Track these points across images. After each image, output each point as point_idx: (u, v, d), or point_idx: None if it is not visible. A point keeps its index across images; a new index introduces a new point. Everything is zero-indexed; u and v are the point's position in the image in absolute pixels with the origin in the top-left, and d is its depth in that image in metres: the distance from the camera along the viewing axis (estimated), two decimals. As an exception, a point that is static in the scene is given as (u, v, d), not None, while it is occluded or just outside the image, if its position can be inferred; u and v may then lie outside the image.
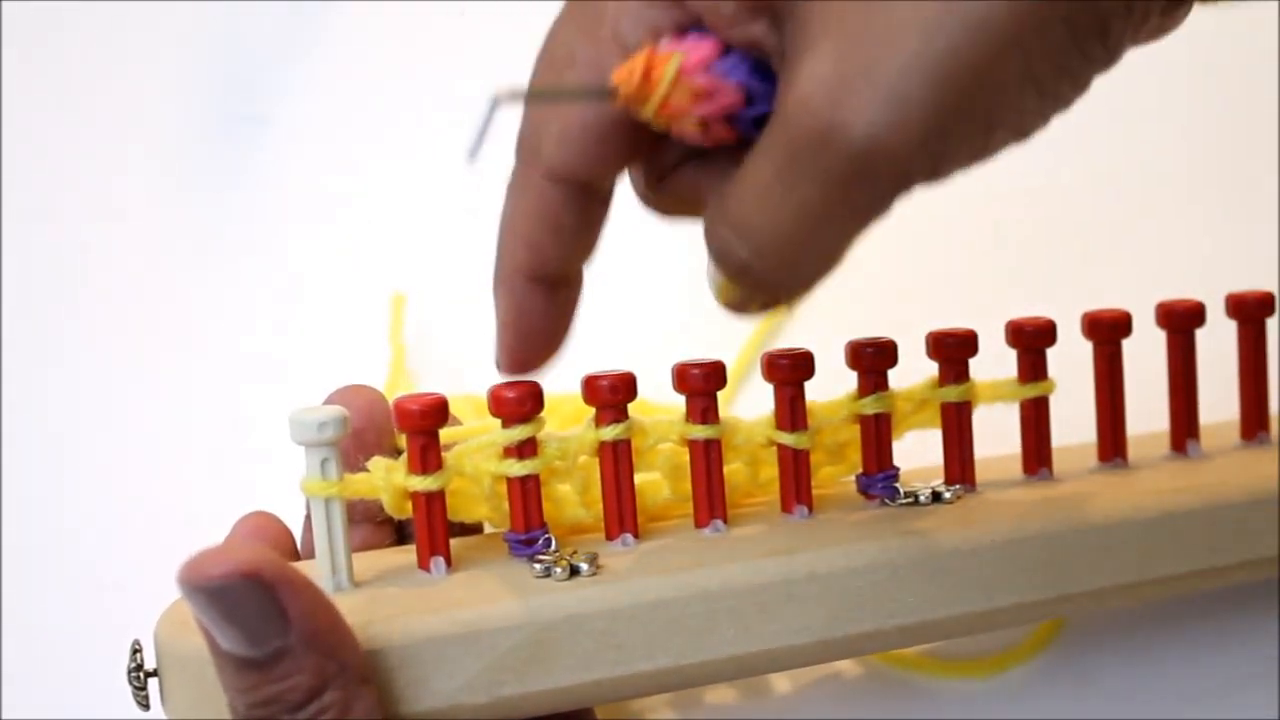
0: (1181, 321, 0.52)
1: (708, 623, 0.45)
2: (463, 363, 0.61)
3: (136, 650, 0.44)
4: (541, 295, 0.43)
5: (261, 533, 0.46)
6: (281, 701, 0.40)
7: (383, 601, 0.44)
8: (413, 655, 0.43)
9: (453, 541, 0.46)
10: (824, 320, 0.62)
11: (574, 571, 0.45)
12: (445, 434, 0.45)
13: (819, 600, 0.47)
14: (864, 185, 0.37)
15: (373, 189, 0.74)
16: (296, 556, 0.47)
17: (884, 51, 0.36)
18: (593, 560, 0.45)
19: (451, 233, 0.63)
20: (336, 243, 0.71)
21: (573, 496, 0.48)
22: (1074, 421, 0.53)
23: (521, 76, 0.79)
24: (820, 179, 0.37)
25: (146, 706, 0.43)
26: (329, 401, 0.46)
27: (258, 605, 0.39)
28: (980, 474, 0.51)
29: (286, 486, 0.49)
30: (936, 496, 0.50)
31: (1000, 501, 0.50)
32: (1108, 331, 0.51)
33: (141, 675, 0.43)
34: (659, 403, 0.56)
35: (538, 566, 0.45)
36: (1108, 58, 0.39)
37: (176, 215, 0.71)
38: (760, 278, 0.39)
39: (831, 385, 0.51)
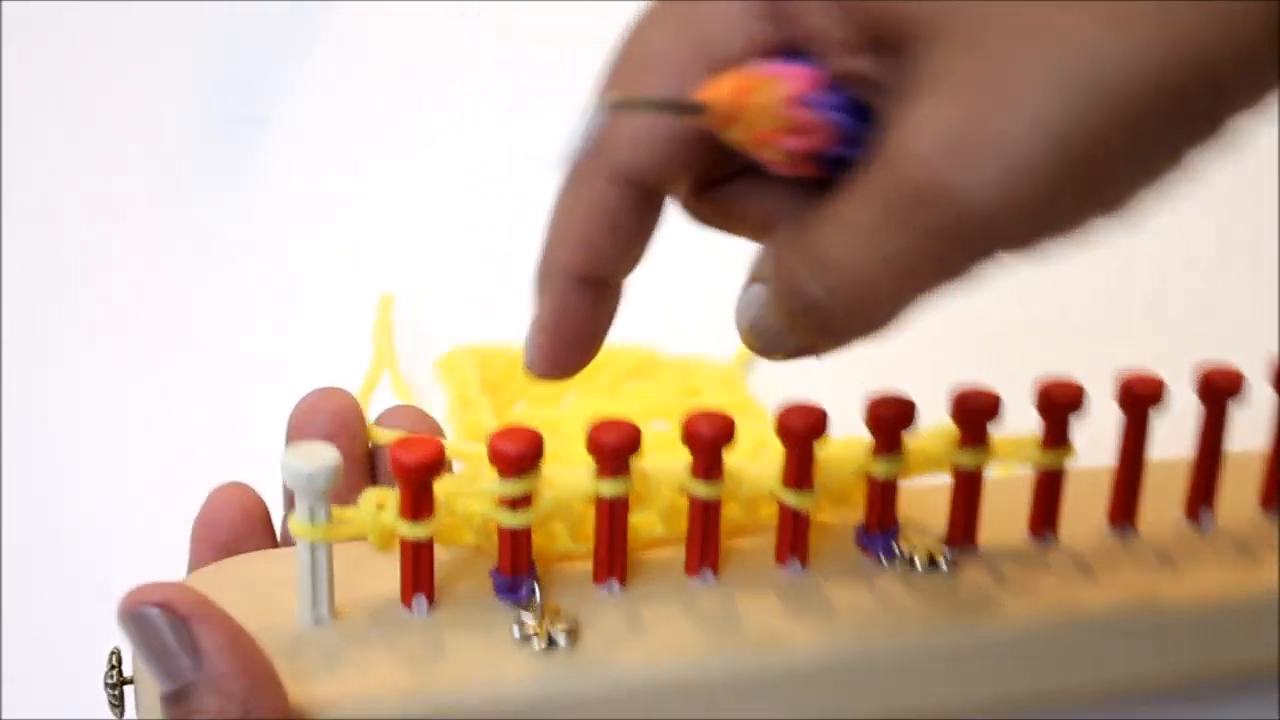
0: (1221, 394, 0.50)
1: (679, 707, 0.45)
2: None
3: (115, 657, 0.44)
4: (588, 298, 0.42)
5: (236, 502, 0.47)
6: None
7: (354, 658, 0.43)
8: None
9: (438, 563, 0.45)
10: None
11: (551, 643, 0.44)
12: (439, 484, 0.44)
13: (792, 691, 0.46)
14: (961, 246, 0.36)
15: (372, 189, 0.74)
16: (271, 530, 0.47)
17: (1005, 112, 0.35)
18: (572, 632, 0.45)
19: (451, 232, 0.63)
20: (336, 242, 0.71)
21: (564, 534, 0.47)
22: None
23: (523, 77, 0.79)
24: (918, 233, 0.36)
25: (121, 713, 0.44)
26: (302, 404, 0.46)
27: (171, 638, 0.40)
28: (985, 527, 0.49)
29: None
30: (933, 562, 0.48)
31: (993, 583, 0.49)
32: (1141, 401, 0.49)
33: (118, 680, 0.44)
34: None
35: (516, 632, 0.45)
36: (1211, 133, 0.37)
37: (176, 215, 0.71)
38: (826, 318, 0.38)
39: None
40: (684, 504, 0.47)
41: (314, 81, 0.76)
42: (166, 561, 0.49)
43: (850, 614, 0.47)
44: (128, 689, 0.44)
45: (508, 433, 0.44)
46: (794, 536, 0.48)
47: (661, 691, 0.45)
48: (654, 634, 0.46)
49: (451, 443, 0.46)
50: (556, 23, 0.81)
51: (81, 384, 0.64)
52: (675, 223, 0.72)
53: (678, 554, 0.48)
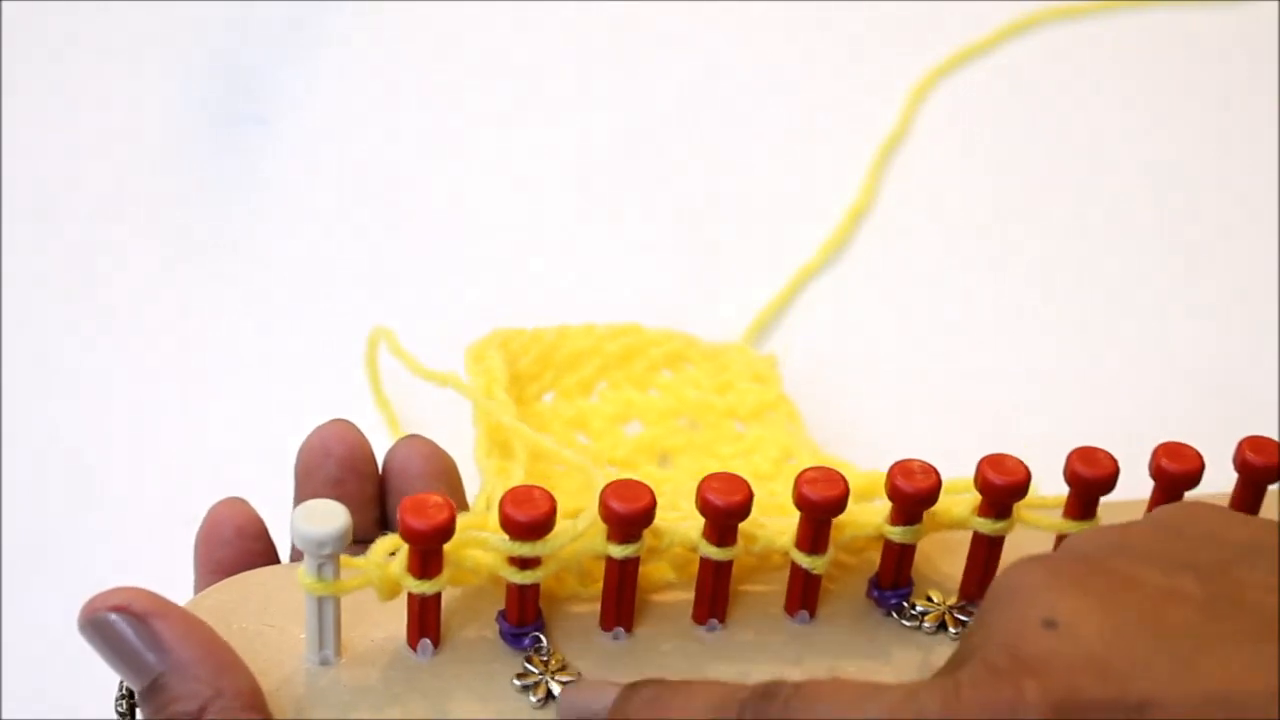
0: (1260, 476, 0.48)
1: None
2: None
3: (127, 689, 0.45)
4: None
5: (230, 522, 0.48)
6: None
7: (355, 700, 0.44)
8: None
9: (447, 597, 0.45)
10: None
11: (549, 697, 0.44)
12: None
13: None
14: None
15: (372, 189, 0.74)
16: (269, 546, 0.48)
17: None
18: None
19: (451, 233, 0.63)
20: (336, 243, 0.71)
21: (572, 581, 0.47)
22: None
23: (523, 77, 0.78)
24: None
25: None
26: (311, 441, 0.45)
27: (133, 637, 0.42)
28: None
29: (284, 486, 0.49)
30: (942, 625, 0.48)
31: None
32: (1177, 482, 0.48)
33: (128, 707, 0.45)
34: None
35: (517, 683, 0.45)
36: None
37: (176, 215, 0.71)
38: None
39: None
40: (695, 553, 0.46)
41: (314, 82, 0.76)
42: (166, 561, 0.49)
43: (844, 671, 0.46)
44: (138, 711, 0.44)
45: (520, 498, 0.44)
46: (804, 591, 0.48)
47: None
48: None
49: (463, 516, 0.45)
50: (557, 23, 0.81)
51: (81, 383, 0.64)
52: (716, 213, 0.72)
53: (686, 598, 0.48)
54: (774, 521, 0.47)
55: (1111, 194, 0.77)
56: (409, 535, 0.43)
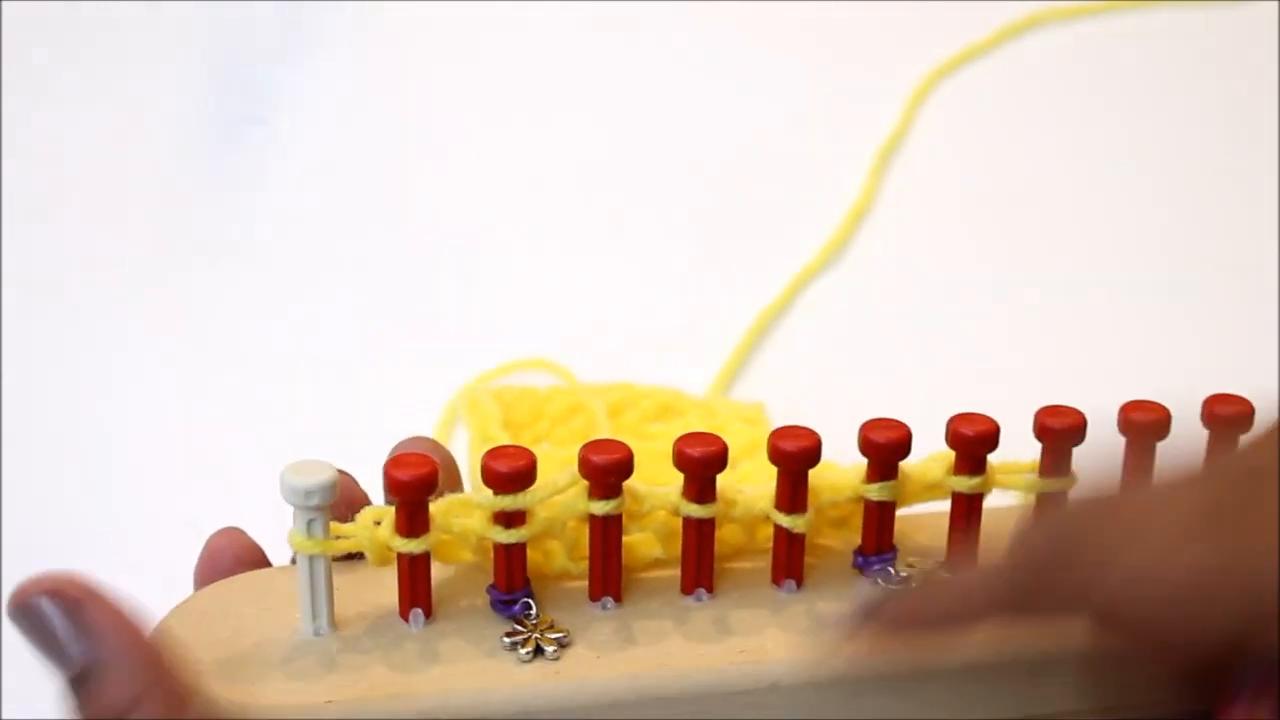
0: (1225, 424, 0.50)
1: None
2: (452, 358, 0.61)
3: None
4: None
5: (229, 550, 0.48)
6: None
7: (349, 665, 0.45)
8: None
9: (434, 576, 0.46)
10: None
11: (539, 652, 0.46)
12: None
13: (779, 708, 0.47)
14: None
15: (372, 190, 0.74)
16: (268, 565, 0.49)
17: None
18: (561, 642, 0.46)
19: (452, 233, 0.63)
20: (335, 241, 0.71)
21: (560, 553, 0.48)
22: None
23: (524, 77, 0.78)
24: None
25: None
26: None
27: (63, 622, 0.41)
28: (986, 549, 0.50)
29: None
30: None
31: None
32: (1145, 433, 0.49)
33: None
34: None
35: (507, 640, 0.46)
36: None
37: (176, 215, 0.72)
38: None
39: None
40: (679, 525, 0.48)
41: (314, 82, 0.76)
42: (167, 561, 0.49)
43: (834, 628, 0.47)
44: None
45: (500, 451, 0.45)
46: (789, 557, 0.49)
47: (645, 705, 0.46)
48: (641, 649, 0.46)
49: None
50: (556, 24, 0.81)
51: (80, 383, 0.64)
52: (717, 213, 0.72)
53: (674, 574, 0.49)
54: (753, 488, 0.48)
55: (1111, 194, 0.77)
56: (393, 486, 0.44)
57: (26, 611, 0.41)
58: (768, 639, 0.47)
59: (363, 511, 0.45)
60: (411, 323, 0.69)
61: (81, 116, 0.75)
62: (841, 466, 0.49)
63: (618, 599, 0.48)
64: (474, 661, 0.45)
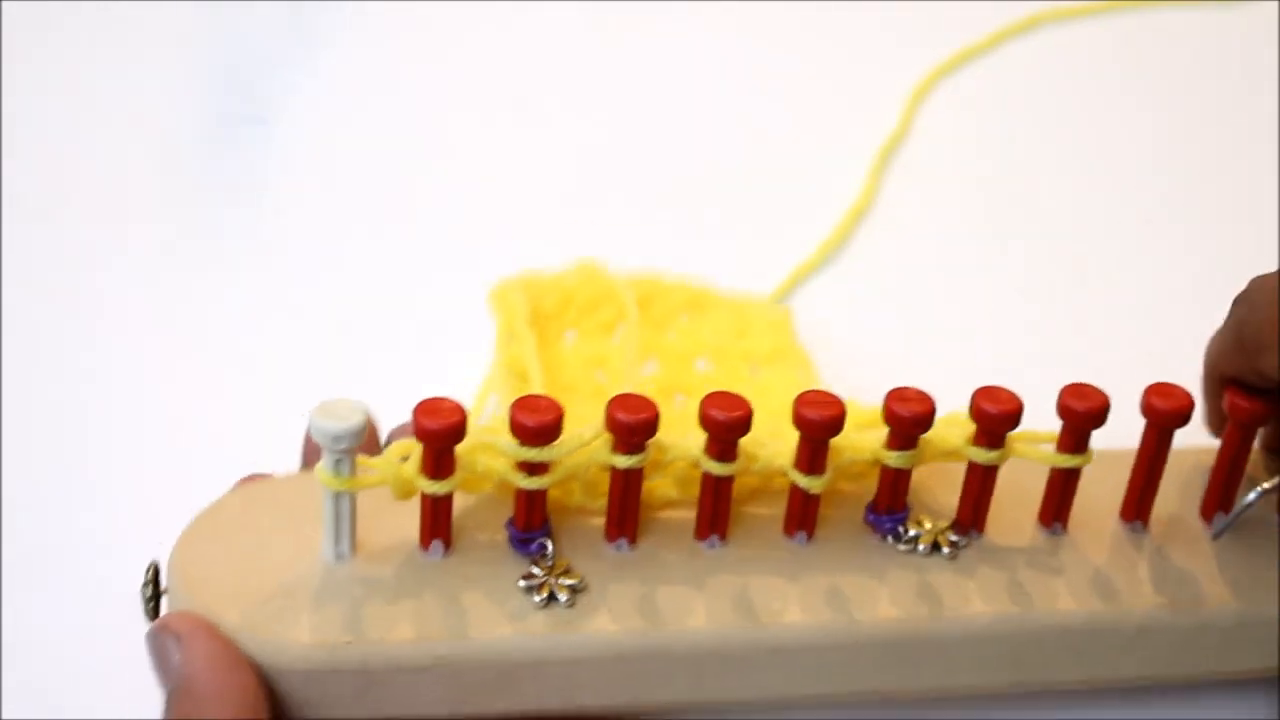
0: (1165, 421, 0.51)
1: (664, 676, 0.47)
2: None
3: (152, 570, 0.48)
4: None
5: None
6: None
7: (369, 599, 0.46)
8: (380, 678, 0.45)
9: (456, 508, 0.47)
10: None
11: (552, 598, 0.47)
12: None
13: (779, 668, 0.48)
14: None
15: (372, 190, 0.74)
16: None
17: None
18: (575, 589, 0.47)
19: (451, 234, 0.63)
20: (335, 242, 0.71)
21: (579, 491, 0.49)
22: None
23: (525, 77, 0.78)
24: None
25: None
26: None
27: (169, 652, 0.46)
28: (996, 508, 0.50)
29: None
30: (936, 547, 0.50)
31: (991, 575, 0.50)
32: (1167, 419, 0.50)
33: (154, 592, 0.48)
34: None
35: (522, 584, 0.47)
36: None
37: (176, 216, 0.72)
38: None
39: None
40: (698, 473, 0.49)
41: (314, 82, 0.76)
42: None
43: (842, 592, 0.48)
44: (163, 600, 0.48)
45: (528, 404, 0.46)
46: (803, 512, 0.51)
47: (653, 659, 0.47)
48: (654, 600, 0.47)
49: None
50: (556, 23, 0.81)
51: (80, 383, 0.64)
52: (717, 213, 0.72)
53: (689, 516, 0.50)
54: (774, 443, 0.49)
55: (1111, 194, 0.77)
56: (422, 435, 0.45)
57: (149, 639, 0.46)
58: (776, 599, 0.48)
59: (390, 446, 0.47)
60: (413, 321, 0.69)
61: (81, 116, 0.75)
62: (862, 433, 0.50)
63: (633, 541, 0.49)
64: (490, 607, 0.46)
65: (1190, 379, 0.53)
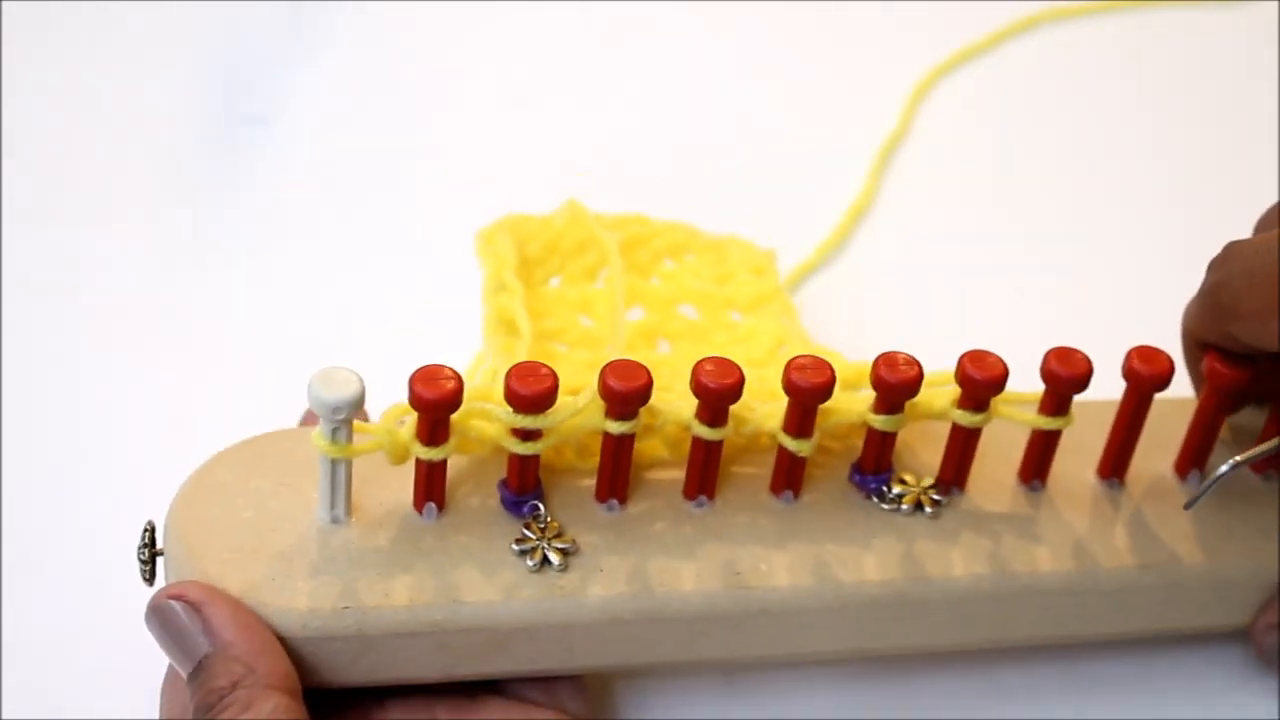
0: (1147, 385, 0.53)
1: (654, 638, 0.48)
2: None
3: (149, 532, 0.49)
4: None
5: None
6: (203, 705, 0.45)
7: (365, 564, 0.47)
8: (376, 643, 0.46)
9: (452, 466, 0.48)
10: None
11: (546, 561, 0.47)
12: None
13: (766, 629, 0.49)
14: None
15: (373, 190, 0.74)
16: None
17: None
18: (567, 551, 0.48)
19: (452, 234, 0.63)
20: (335, 241, 0.71)
21: (571, 453, 0.50)
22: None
23: (526, 77, 0.78)
24: None
25: (151, 582, 0.49)
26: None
27: (186, 622, 0.46)
28: (977, 465, 0.51)
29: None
30: (919, 506, 0.51)
31: (972, 540, 0.51)
32: (1148, 383, 0.52)
33: (150, 554, 0.48)
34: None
35: (516, 548, 0.48)
36: None
37: (177, 216, 0.72)
38: None
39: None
40: (688, 435, 0.50)
41: (314, 82, 0.76)
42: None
43: (827, 556, 0.49)
44: (159, 560, 0.49)
45: (524, 374, 0.46)
46: (789, 472, 0.52)
47: (644, 623, 0.48)
48: (644, 563, 0.48)
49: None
50: (556, 23, 0.81)
51: (80, 383, 0.64)
52: (717, 213, 0.72)
53: (678, 475, 0.51)
54: (763, 405, 0.50)
55: (1111, 194, 0.77)
56: (418, 404, 0.46)
57: (159, 612, 0.46)
58: (763, 562, 0.49)
59: (386, 411, 0.47)
60: (413, 320, 0.69)
61: (82, 116, 0.75)
62: (849, 395, 0.51)
63: (623, 502, 0.49)
64: (484, 572, 0.47)
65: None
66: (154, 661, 0.49)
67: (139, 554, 0.49)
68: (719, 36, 0.83)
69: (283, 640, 0.46)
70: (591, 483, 0.50)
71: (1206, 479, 0.52)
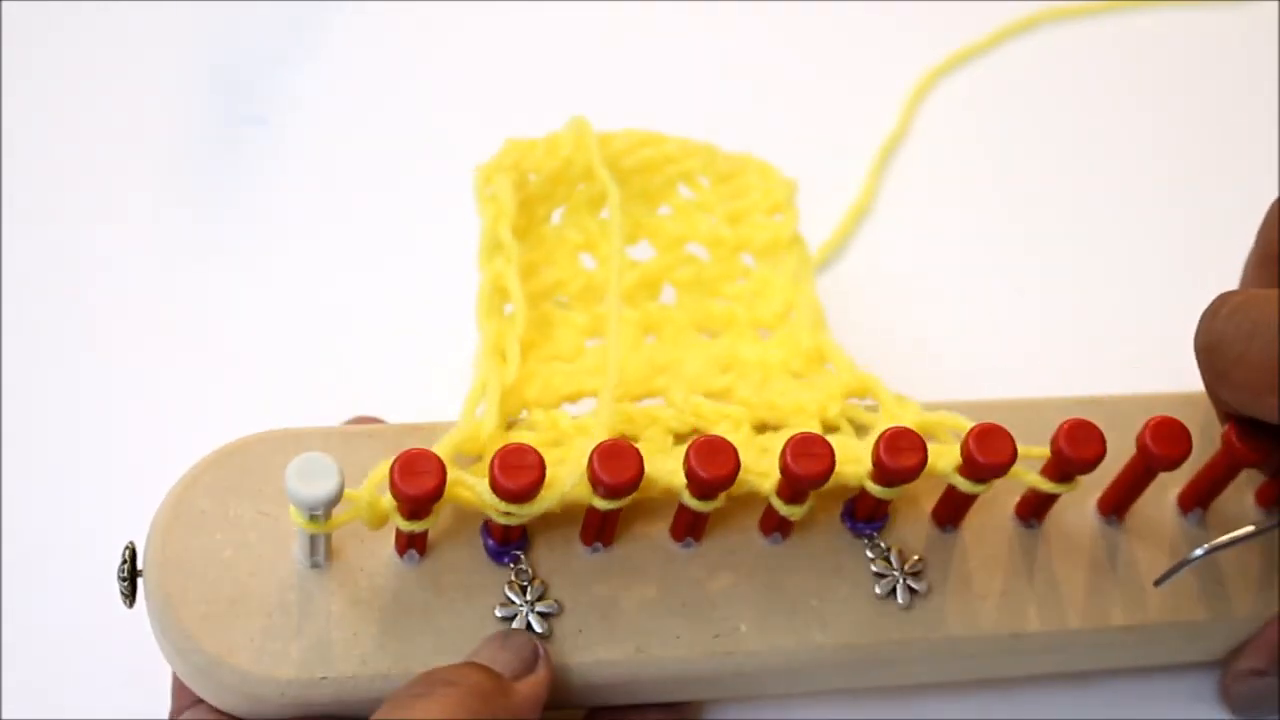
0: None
1: (633, 692, 0.49)
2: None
3: (128, 552, 0.48)
4: None
5: None
6: None
7: (345, 622, 0.46)
8: (356, 708, 0.46)
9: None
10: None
11: (528, 627, 0.48)
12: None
13: (743, 684, 0.49)
14: None
15: (373, 190, 0.74)
16: None
17: None
18: (548, 616, 0.48)
19: (453, 231, 0.63)
20: (335, 242, 0.71)
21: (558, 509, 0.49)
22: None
23: (527, 78, 0.78)
24: None
25: (131, 603, 0.48)
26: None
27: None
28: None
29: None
30: (893, 591, 0.51)
31: (956, 601, 0.51)
32: (1158, 463, 0.50)
33: (130, 573, 0.48)
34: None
35: (500, 612, 0.48)
36: None
37: (176, 216, 0.72)
38: None
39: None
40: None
41: (315, 82, 0.76)
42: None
43: (807, 613, 0.49)
44: (139, 581, 0.48)
45: (510, 464, 0.45)
46: (780, 522, 0.50)
47: (627, 686, 0.48)
48: (626, 622, 0.48)
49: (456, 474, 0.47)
50: (556, 23, 0.81)
51: (79, 384, 0.64)
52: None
53: (665, 519, 0.50)
54: (759, 465, 0.49)
55: (1111, 194, 0.77)
56: (398, 496, 0.45)
57: None
58: (745, 622, 0.48)
59: (370, 476, 0.46)
60: (413, 319, 0.68)
61: (82, 117, 0.75)
62: (850, 457, 0.49)
63: (607, 545, 0.49)
64: (466, 636, 0.46)
65: (1187, 373, 0.53)
66: (154, 661, 0.49)
67: (119, 574, 0.48)
68: (718, 36, 0.83)
69: (260, 704, 0.46)
70: (578, 523, 0.49)
71: (1177, 563, 0.51)
